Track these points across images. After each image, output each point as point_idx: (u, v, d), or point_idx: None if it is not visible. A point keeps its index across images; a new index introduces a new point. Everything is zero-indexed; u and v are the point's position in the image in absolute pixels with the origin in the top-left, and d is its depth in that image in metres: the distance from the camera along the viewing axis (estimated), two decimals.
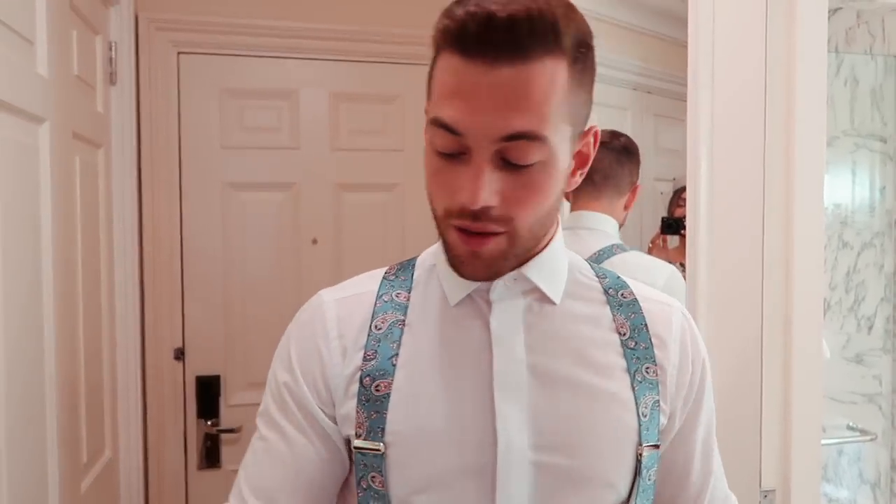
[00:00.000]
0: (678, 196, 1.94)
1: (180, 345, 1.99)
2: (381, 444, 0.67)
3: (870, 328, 1.73)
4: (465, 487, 0.67)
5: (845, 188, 1.80)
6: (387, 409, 0.67)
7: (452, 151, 0.62)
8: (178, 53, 1.98)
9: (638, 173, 1.52)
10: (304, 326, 0.74)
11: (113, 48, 1.75)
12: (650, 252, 1.85)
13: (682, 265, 1.82)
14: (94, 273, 1.57)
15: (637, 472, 0.69)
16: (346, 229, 2.12)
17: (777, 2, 1.13)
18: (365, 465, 0.68)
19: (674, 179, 2.03)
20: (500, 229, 0.63)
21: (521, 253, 0.67)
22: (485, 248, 0.64)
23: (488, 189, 0.61)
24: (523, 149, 0.61)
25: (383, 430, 0.67)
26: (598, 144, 0.72)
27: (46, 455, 1.22)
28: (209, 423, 2.00)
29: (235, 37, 2.01)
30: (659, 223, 1.84)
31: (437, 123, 0.62)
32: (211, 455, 2.01)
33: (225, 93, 2.03)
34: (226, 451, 2.02)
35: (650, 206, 2.03)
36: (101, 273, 1.63)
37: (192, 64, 2.00)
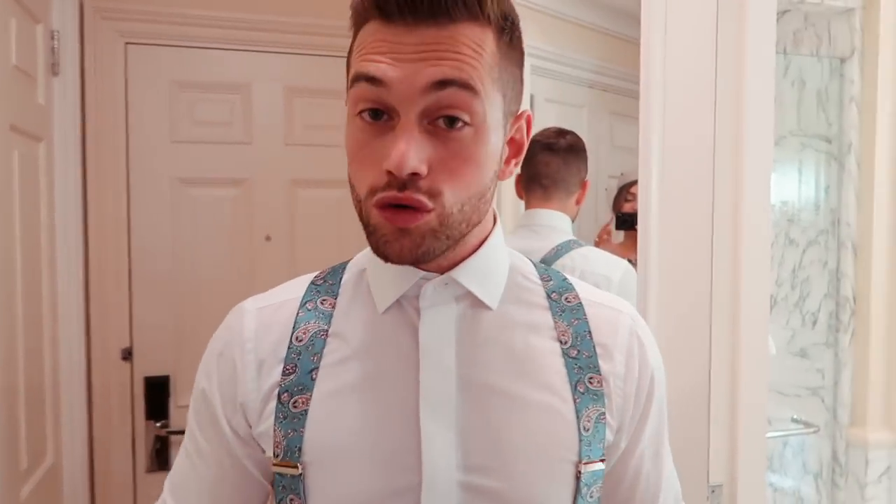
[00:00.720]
0: (625, 191, 1.97)
1: (128, 345, 1.93)
2: (298, 464, 0.62)
3: (814, 323, 1.78)
4: None
5: (792, 187, 1.84)
6: (304, 427, 0.62)
7: (377, 107, 0.57)
8: (126, 44, 1.92)
9: (586, 168, 1.52)
10: (223, 338, 0.69)
11: (56, 37, 1.68)
12: (597, 246, 1.88)
13: (630, 261, 1.85)
14: (35, 272, 1.52)
15: (577, 491, 0.64)
16: (301, 226, 2.09)
17: (727, 3, 1.15)
18: (283, 486, 0.64)
19: (621, 175, 2.06)
20: (429, 204, 0.57)
21: (453, 235, 0.60)
22: (413, 225, 0.58)
23: (416, 153, 0.56)
24: (455, 98, 0.56)
25: (300, 449, 0.62)
26: (530, 131, 0.68)
27: None
28: (158, 424, 1.95)
29: (186, 28, 1.95)
30: (608, 219, 1.86)
31: (359, 78, 0.57)
32: (160, 457, 1.96)
33: (175, 85, 1.97)
34: (175, 453, 1.97)
35: (605, 203, 2.05)
36: (42, 272, 1.57)
37: (140, 55, 1.94)
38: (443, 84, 0.56)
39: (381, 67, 0.56)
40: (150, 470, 1.95)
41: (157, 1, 1.92)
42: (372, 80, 0.56)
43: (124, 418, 1.93)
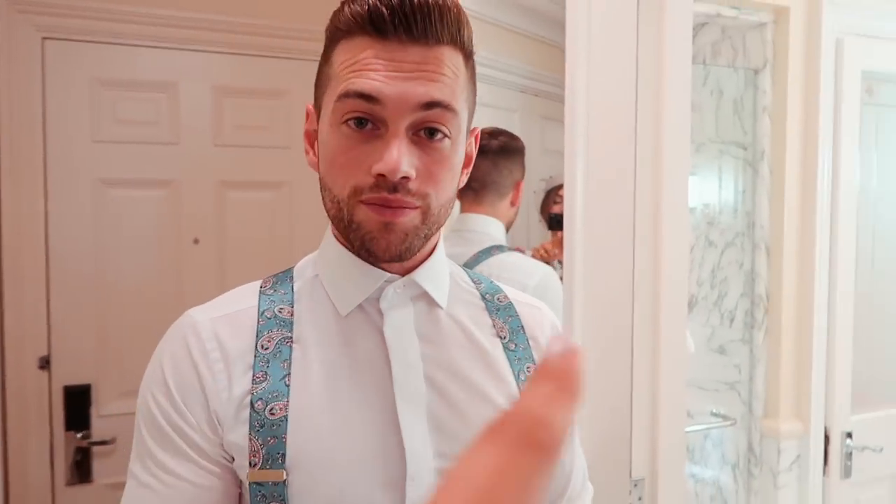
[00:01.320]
0: (554, 193, 2.02)
1: (45, 353, 1.85)
2: (283, 470, 0.63)
3: (731, 321, 1.86)
4: (377, 503, 0.64)
5: (712, 191, 1.93)
6: (286, 434, 0.63)
7: (365, 118, 0.63)
8: (44, 39, 1.84)
9: (522, 170, 1.53)
10: (178, 348, 0.67)
11: None
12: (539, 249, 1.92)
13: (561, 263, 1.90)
14: None
15: None
16: (230, 229, 2.05)
17: (647, 14, 1.20)
18: (263, 494, 0.63)
19: (550, 178, 2.11)
20: (417, 203, 0.64)
21: (429, 234, 0.67)
22: (399, 220, 0.64)
23: (407, 160, 0.62)
24: (438, 116, 0.63)
25: (283, 455, 0.63)
26: (478, 145, 0.75)
27: None
28: (79, 435, 1.87)
29: (109, 23, 1.88)
30: (536, 221, 1.90)
31: (351, 94, 0.62)
32: (81, 469, 1.89)
33: (96, 83, 1.90)
34: (98, 465, 1.90)
35: (535, 206, 2.10)
36: None
37: (59, 51, 1.86)
38: (430, 105, 0.63)
39: (376, 85, 0.61)
40: (71, 483, 1.88)
41: None
42: (367, 97, 0.62)
43: (42, 429, 1.84)
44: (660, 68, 1.21)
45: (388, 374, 0.67)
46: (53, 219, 1.86)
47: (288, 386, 0.65)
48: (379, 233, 0.64)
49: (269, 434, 0.63)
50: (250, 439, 0.63)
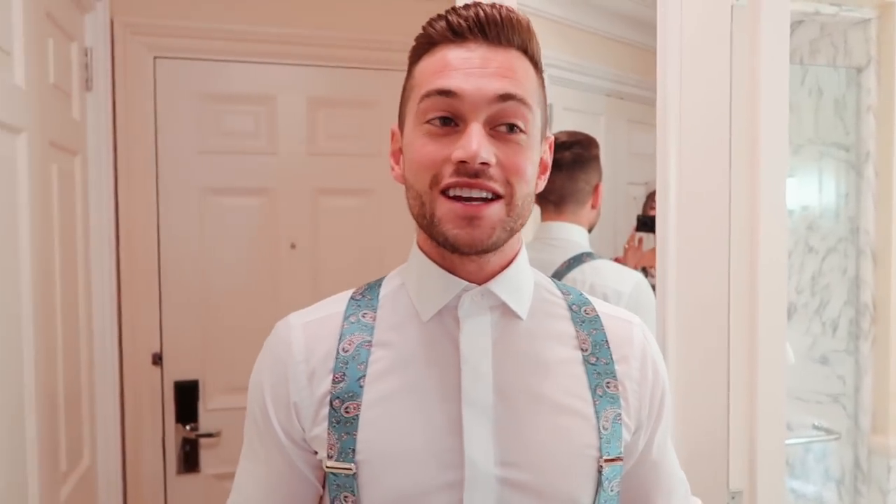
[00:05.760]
0: (651, 199, 1.98)
1: (158, 350, 1.99)
2: (352, 464, 0.68)
3: (834, 330, 1.78)
4: (435, 503, 0.68)
5: (811, 194, 1.85)
6: (356, 430, 0.69)
7: (446, 115, 0.66)
8: (155, 58, 1.98)
9: (599, 173, 1.52)
10: (273, 352, 0.75)
11: (88, 54, 1.74)
12: (625, 253, 1.89)
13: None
14: (72, 281, 1.57)
15: (599, 484, 0.71)
16: (324, 234, 2.13)
17: (742, 13, 1.17)
18: (337, 485, 0.70)
19: (646, 183, 2.07)
20: (500, 190, 0.66)
21: (514, 228, 0.69)
22: (484, 212, 0.66)
23: (486, 147, 0.65)
24: (514, 110, 0.67)
25: (354, 450, 0.69)
26: (553, 153, 0.78)
27: (26, 464, 1.22)
28: (188, 427, 2.00)
29: (212, 41, 2.00)
30: (633, 225, 1.88)
31: (433, 93, 0.67)
32: (189, 460, 2.01)
33: (202, 98, 2.03)
34: (204, 456, 2.03)
35: (623, 210, 2.07)
36: (78, 281, 1.63)
37: (168, 69, 2.00)
38: (506, 97, 0.66)
39: (454, 82, 0.66)
40: (180, 472, 2.01)
41: (184, 16, 1.98)
42: (447, 93, 0.66)
43: (155, 421, 1.98)
44: (755, 67, 1.18)
45: (458, 380, 0.70)
46: (164, 225, 2.00)
47: (362, 387, 0.70)
48: (463, 224, 0.66)
49: (343, 430, 0.69)
50: (328, 434, 0.70)
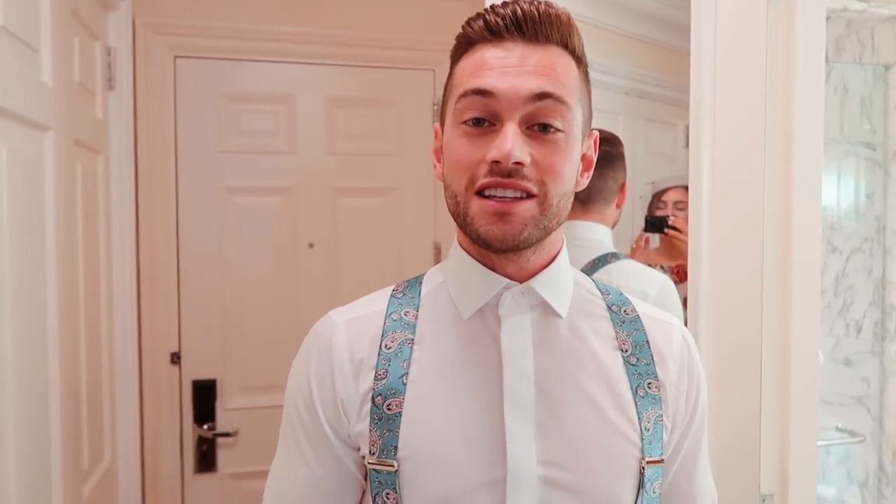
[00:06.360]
0: (657, 199, 1.97)
1: (176, 349, 1.99)
2: (394, 461, 0.68)
3: (858, 331, 1.76)
4: (477, 501, 0.68)
5: (835, 193, 1.83)
6: (399, 428, 0.68)
7: (482, 116, 0.66)
8: (175, 57, 1.98)
9: (624, 172, 1.51)
10: (317, 350, 0.75)
11: (112, 53, 1.75)
12: (632, 253, 1.88)
13: (663, 267, 1.85)
14: (94, 280, 1.57)
15: (641, 485, 0.70)
16: (343, 233, 2.13)
17: (777, 11, 1.16)
18: (379, 482, 0.69)
19: (653, 183, 2.06)
20: (534, 189, 0.65)
21: (549, 227, 0.68)
22: (515, 209, 0.65)
23: (520, 147, 0.64)
24: (550, 108, 0.65)
25: (396, 447, 0.68)
26: (597, 150, 0.77)
27: (50, 462, 1.22)
28: (205, 426, 2.00)
29: (232, 41, 2.01)
30: (641, 226, 1.87)
31: (468, 93, 0.66)
32: (207, 459, 2.02)
33: (222, 97, 2.03)
34: (222, 455, 2.03)
35: (640, 210, 2.06)
36: (100, 279, 1.63)
37: (188, 68, 2.00)
38: (541, 96, 0.65)
39: (490, 81, 0.66)
40: (198, 471, 2.01)
41: (205, 16, 1.98)
42: (483, 92, 0.66)
43: (173, 420, 1.98)
44: (789, 66, 1.17)
45: (500, 379, 0.70)
46: (183, 224, 2.00)
47: (405, 384, 0.70)
48: (495, 221, 0.65)
49: (385, 427, 0.69)
50: (370, 430, 0.70)
